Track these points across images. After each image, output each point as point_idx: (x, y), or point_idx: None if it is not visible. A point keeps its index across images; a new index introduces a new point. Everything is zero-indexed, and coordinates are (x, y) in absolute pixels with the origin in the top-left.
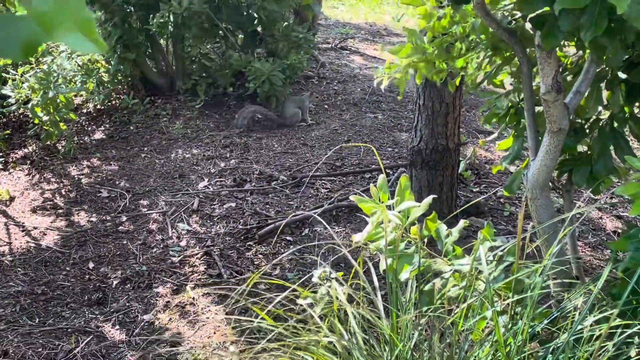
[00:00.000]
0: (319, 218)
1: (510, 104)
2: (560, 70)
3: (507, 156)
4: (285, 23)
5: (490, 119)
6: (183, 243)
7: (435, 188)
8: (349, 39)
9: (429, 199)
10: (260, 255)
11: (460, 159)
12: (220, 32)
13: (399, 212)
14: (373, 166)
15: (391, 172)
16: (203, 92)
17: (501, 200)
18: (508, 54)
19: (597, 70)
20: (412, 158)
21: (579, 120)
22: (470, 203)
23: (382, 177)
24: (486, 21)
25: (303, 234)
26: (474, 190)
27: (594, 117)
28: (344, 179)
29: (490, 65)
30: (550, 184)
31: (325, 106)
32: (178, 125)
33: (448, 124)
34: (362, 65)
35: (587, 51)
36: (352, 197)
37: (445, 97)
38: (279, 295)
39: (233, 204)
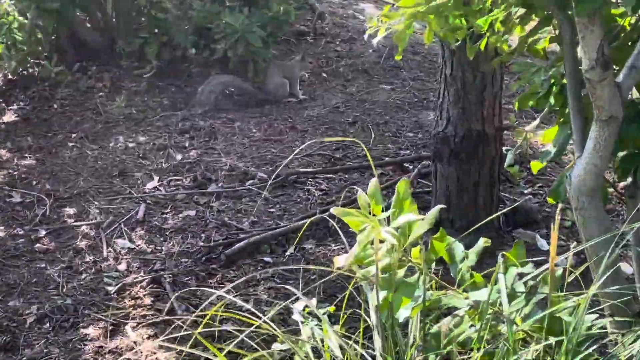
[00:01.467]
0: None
1: (553, 81)
2: (614, 34)
3: (549, 150)
4: None
5: (527, 101)
6: (122, 266)
7: (469, 189)
8: None
9: (435, 210)
10: (227, 283)
11: (507, 147)
12: None
13: (397, 228)
14: (387, 159)
15: (411, 167)
16: (154, 56)
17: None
18: (546, 12)
19: None
20: (436, 148)
21: None
22: (508, 208)
23: (373, 182)
24: None
25: (287, 253)
26: (525, 191)
27: None
28: (346, 176)
29: (523, 27)
30: (607, 188)
31: (324, 74)
32: (119, 102)
33: (485, 102)
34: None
35: None
36: (333, 210)
37: (481, 64)
38: (253, 335)
39: (192, 213)
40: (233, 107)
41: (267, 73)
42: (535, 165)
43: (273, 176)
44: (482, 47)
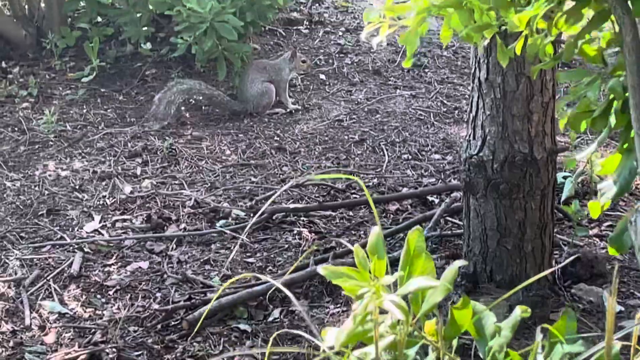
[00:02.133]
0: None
1: (611, 95)
2: None
3: (611, 185)
4: None
5: (578, 122)
6: (50, 338)
7: (512, 232)
8: None
9: (453, 270)
10: None
11: (565, 174)
12: None
13: (406, 295)
14: (405, 190)
15: (436, 201)
16: (96, 54)
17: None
18: (604, 6)
19: None
20: (468, 177)
21: None
22: (567, 259)
23: (375, 231)
24: None
25: (270, 319)
26: (590, 233)
27: None
28: (350, 213)
29: (571, 24)
30: None
31: (322, 76)
32: (49, 116)
33: (533, 115)
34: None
35: None
36: (320, 269)
37: (527, 66)
38: None
39: (145, 264)
40: (200, 121)
41: (245, 76)
42: (594, 208)
43: (253, 214)
44: (517, 50)
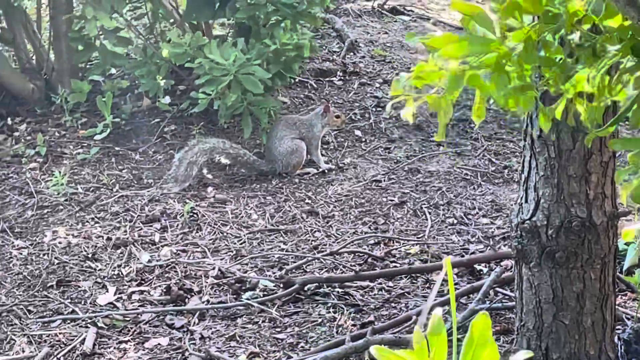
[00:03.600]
0: None
1: None
2: None
3: None
4: None
5: None
6: None
7: (570, 305)
8: None
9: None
10: None
11: (629, 242)
12: None
13: None
14: (450, 257)
15: (484, 271)
16: (109, 109)
17: None
18: None
19: None
20: (520, 244)
21: None
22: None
23: (437, 315)
24: (617, 4)
25: None
26: None
27: None
28: (389, 284)
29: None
30: None
31: (358, 132)
32: (59, 177)
33: (591, 176)
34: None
35: None
36: (373, 350)
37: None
38: None
39: (164, 340)
40: (224, 182)
41: (273, 133)
42: None
43: (283, 285)
44: (557, 114)
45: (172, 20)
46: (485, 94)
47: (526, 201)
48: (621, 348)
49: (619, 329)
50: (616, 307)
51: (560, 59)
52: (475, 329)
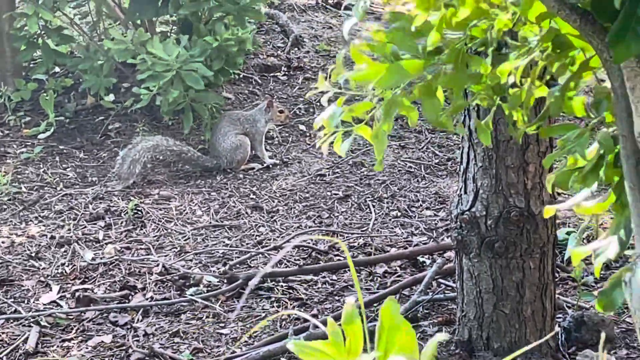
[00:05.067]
0: None
1: (603, 150)
2: None
3: (604, 248)
4: None
5: (567, 179)
6: None
7: (510, 294)
8: None
9: (432, 344)
10: None
11: (570, 230)
12: None
13: None
14: (393, 250)
15: (427, 263)
16: (52, 108)
17: None
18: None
19: None
20: (460, 235)
21: None
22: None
23: (350, 303)
24: None
25: None
26: (596, 294)
27: None
28: (333, 277)
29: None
30: None
31: (302, 127)
32: (1, 176)
33: (529, 166)
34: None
35: None
36: (290, 344)
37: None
38: None
39: (107, 338)
40: (168, 179)
41: (217, 129)
42: (577, 256)
43: (227, 280)
44: (489, 125)
45: (115, 19)
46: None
47: (465, 192)
48: (562, 336)
49: (559, 318)
50: (557, 296)
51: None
52: (385, 315)
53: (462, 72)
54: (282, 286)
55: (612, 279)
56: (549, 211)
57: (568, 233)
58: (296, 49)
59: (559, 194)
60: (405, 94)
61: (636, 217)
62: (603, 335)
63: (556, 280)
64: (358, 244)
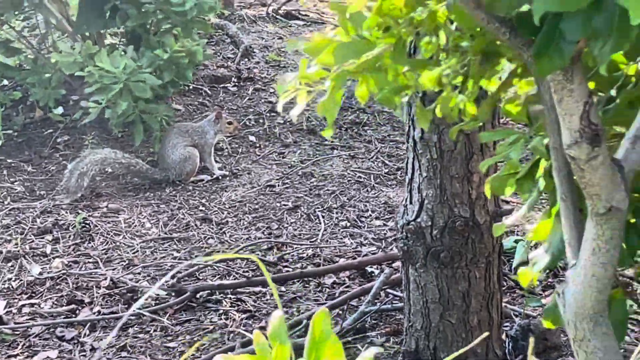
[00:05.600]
0: None
1: (538, 156)
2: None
3: (541, 257)
4: None
5: (504, 186)
6: None
7: (456, 304)
8: None
9: (366, 357)
10: None
11: (518, 237)
12: None
13: None
14: (342, 261)
15: (376, 273)
16: (0, 121)
17: None
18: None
19: None
20: (406, 245)
21: None
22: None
23: (276, 316)
24: (466, 7)
25: None
26: (544, 302)
27: None
28: (282, 289)
29: (487, 78)
30: (624, 305)
31: (252, 138)
32: None
33: (473, 176)
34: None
35: None
36: (218, 358)
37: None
38: None
39: (53, 353)
40: (117, 191)
41: (166, 140)
42: (524, 277)
43: (175, 293)
44: (438, 112)
45: (63, 31)
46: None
47: (411, 202)
48: (509, 345)
49: (506, 326)
50: (504, 304)
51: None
52: (316, 326)
53: (399, 55)
54: (230, 298)
55: (553, 295)
56: (498, 229)
57: (516, 241)
58: (246, 59)
59: (505, 202)
60: (355, 67)
61: (567, 228)
62: (532, 340)
63: (503, 288)
64: (307, 255)
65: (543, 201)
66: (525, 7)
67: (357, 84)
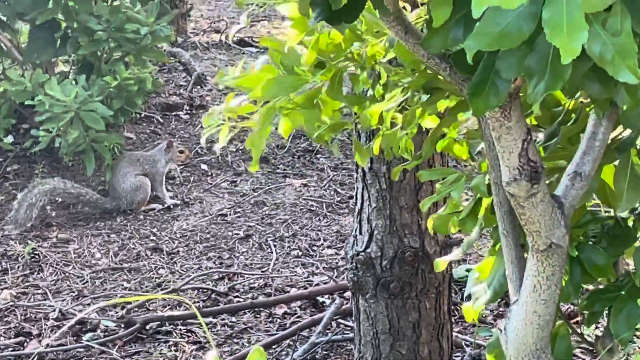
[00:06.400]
0: None
1: (478, 195)
2: (553, 127)
3: (484, 289)
4: (115, 0)
5: (446, 224)
6: None
7: (406, 334)
8: (263, 19)
9: None
10: None
11: (469, 266)
12: None
13: None
14: (293, 291)
15: (327, 303)
16: None
17: None
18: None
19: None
20: (356, 276)
21: (610, 213)
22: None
23: (211, 356)
24: (407, 44)
25: None
26: (493, 330)
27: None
28: (232, 319)
29: (428, 114)
30: (569, 340)
31: (204, 166)
32: None
33: (419, 207)
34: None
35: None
36: None
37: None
38: None
39: None
40: (67, 221)
41: (116, 169)
42: (469, 312)
43: (124, 325)
44: (375, 149)
45: (13, 59)
46: (292, 124)
47: (360, 233)
48: None
49: (457, 356)
50: (455, 334)
51: (366, 94)
52: None
53: (336, 92)
54: (180, 329)
55: (496, 332)
56: (440, 265)
57: (468, 270)
58: (198, 87)
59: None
60: (286, 102)
61: (509, 264)
62: None
63: (454, 317)
64: (258, 285)
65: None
66: (461, 45)
67: (280, 120)
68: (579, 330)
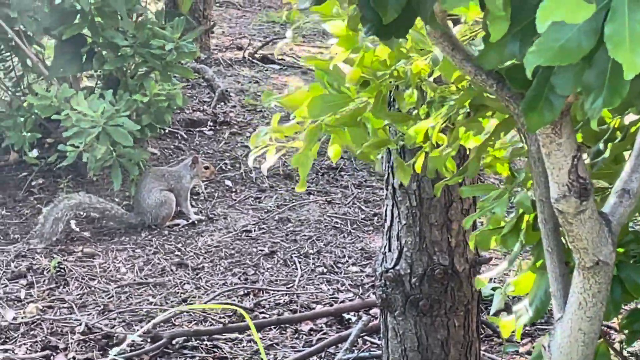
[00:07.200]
0: None
1: (521, 210)
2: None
3: (525, 311)
4: (140, 16)
5: (488, 240)
6: None
7: (434, 351)
8: (279, 38)
9: None
10: None
11: (494, 286)
12: (11, 36)
13: None
14: (319, 307)
15: (353, 320)
16: None
17: None
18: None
19: None
20: (385, 293)
21: None
22: None
23: None
24: (453, 60)
25: None
26: (522, 350)
27: None
28: (260, 335)
29: (474, 134)
30: (609, 353)
31: (228, 182)
32: None
33: (452, 224)
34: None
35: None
36: None
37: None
38: None
39: None
40: (92, 236)
41: (141, 185)
42: (506, 327)
43: (151, 340)
44: (417, 167)
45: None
46: (341, 143)
47: (389, 250)
48: None
49: None
50: (482, 352)
51: (411, 113)
52: None
53: (381, 109)
54: (206, 345)
55: (537, 345)
56: (480, 282)
57: (494, 289)
58: (222, 103)
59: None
60: (333, 121)
61: (553, 281)
62: None
63: (482, 336)
64: (284, 301)
65: (522, 253)
66: (514, 60)
67: (330, 142)
68: (617, 348)
